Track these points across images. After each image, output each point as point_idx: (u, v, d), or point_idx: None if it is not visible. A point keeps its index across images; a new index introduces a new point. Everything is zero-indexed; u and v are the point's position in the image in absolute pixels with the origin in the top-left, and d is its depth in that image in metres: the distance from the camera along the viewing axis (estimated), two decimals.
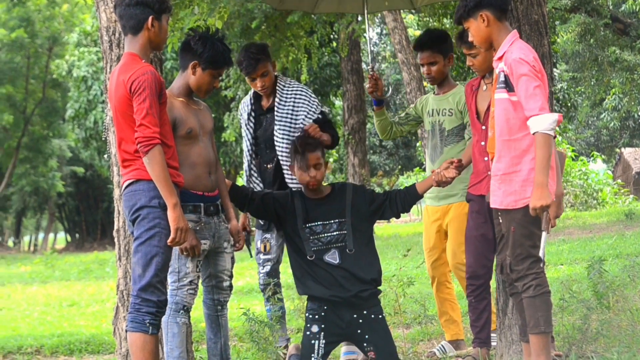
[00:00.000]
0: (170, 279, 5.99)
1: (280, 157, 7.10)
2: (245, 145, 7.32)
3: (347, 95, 23.24)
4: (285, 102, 7.18)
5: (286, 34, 18.27)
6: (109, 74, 6.69)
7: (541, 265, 5.58)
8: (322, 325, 6.26)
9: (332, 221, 6.37)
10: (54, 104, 45.32)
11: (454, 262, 7.07)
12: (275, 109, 7.18)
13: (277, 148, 7.11)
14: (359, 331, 6.30)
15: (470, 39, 5.81)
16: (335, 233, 6.36)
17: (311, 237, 6.35)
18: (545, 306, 5.50)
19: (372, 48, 43.56)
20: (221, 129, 27.07)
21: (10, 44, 40.51)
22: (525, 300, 5.55)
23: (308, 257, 6.35)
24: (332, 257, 6.33)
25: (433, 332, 8.45)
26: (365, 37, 26.23)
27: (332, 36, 24.92)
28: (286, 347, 7.16)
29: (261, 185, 7.24)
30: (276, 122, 7.14)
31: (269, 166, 7.22)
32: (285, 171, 7.08)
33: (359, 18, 19.01)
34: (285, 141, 7.06)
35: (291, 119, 7.14)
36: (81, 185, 55.13)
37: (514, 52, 5.49)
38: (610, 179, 37.03)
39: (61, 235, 73.87)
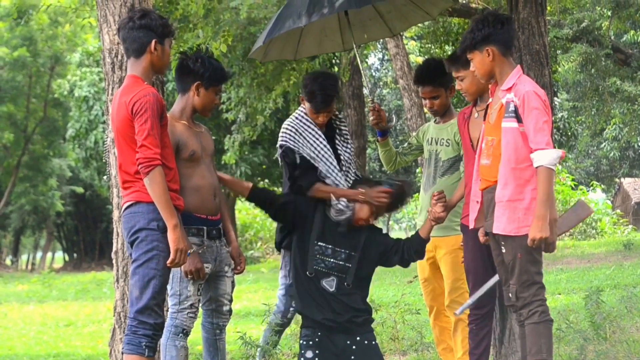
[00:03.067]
0: (170, 301, 6.00)
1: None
2: (330, 165, 6.69)
3: (348, 120, 23.22)
4: (348, 141, 6.93)
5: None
6: (110, 96, 6.72)
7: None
8: (317, 351, 6.28)
9: (343, 250, 6.39)
10: (55, 123, 45.32)
11: (450, 299, 7.02)
12: (342, 145, 6.85)
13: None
14: (352, 357, 6.31)
15: (472, 68, 5.85)
16: (341, 262, 6.38)
17: (318, 256, 6.37)
18: (548, 333, 5.54)
19: (374, 74, 43.63)
20: (221, 151, 27.07)
21: (12, 63, 40.53)
22: (528, 327, 5.56)
23: (308, 273, 6.37)
24: (329, 284, 6.35)
25: (429, 359, 8.44)
26: (366, 62, 26.30)
27: (333, 61, 24.97)
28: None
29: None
30: (346, 157, 6.81)
31: None
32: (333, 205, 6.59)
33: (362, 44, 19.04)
34: (351, 173, 6.81)
35: (350, 156, 6.88)
36: (80, 205, 55.06)
37: (526, 85, 5.59)
38: (609, 209, 37.04)
39: (59, 254, 73.71)
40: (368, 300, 6.51)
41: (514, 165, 5.58)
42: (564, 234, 6.66)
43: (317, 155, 6.63)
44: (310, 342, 6.32)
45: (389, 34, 8.20)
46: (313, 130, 6.71)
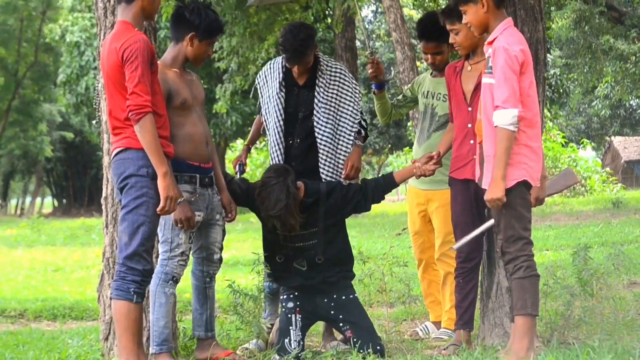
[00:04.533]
0: (161, 248, 6.00)
1: (319, 142, 6.73)
2: (275, 116, 6.80)
3: None
4: (329, 85, 6.80)
5: (281, 8, 18.20)
6: (102, 41, 6.66)
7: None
8: (297, 302, 6.42)
9: (303, 232, 6.41)
10: (46, 68, 45.18)
11: (440, 252, 7.02)
12: (318, 91, 6.78)
13: (318, 132, 6.73)
14: (332, 312, 6.46)
15: (464, 21, 5.82)
16: (304, 243, 6.45)
17: (282, 242, 6.42)
18: (533, 289, 5.56)
19: (367, 26, 43.45)
20: (212, 100, 27.02)
21: (3, 6, 40.33)
22: (514, 282, 5.59)
23: (277, 258, 6.49)
24: (301, 265, 6.48)
25: (416, 312, 8.47)
26: (360, 14, 26.16)
27: (327, 12, 24.85)
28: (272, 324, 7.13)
29: (282, 159, 6.79)
30: (320, 106, 6.75)
31: (297, 141, 6.81)
32: (321, 157, 6.74)
33: None
34: (329, 127, 6.74)
35: (336, 104, 6.79)
36: (70, 151, 55.01)
37: (501, 40, 5.57)
38: (599, 167, 37.16)
39: (48, 199, 73.82)
40: (359, 251, 6.54)
41: (490, 121, 5.60)
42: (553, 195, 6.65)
43: (267, 100, 6.89)
44: (291, 296, 6.48)
45: None
46: (278, 75, 6.86)
